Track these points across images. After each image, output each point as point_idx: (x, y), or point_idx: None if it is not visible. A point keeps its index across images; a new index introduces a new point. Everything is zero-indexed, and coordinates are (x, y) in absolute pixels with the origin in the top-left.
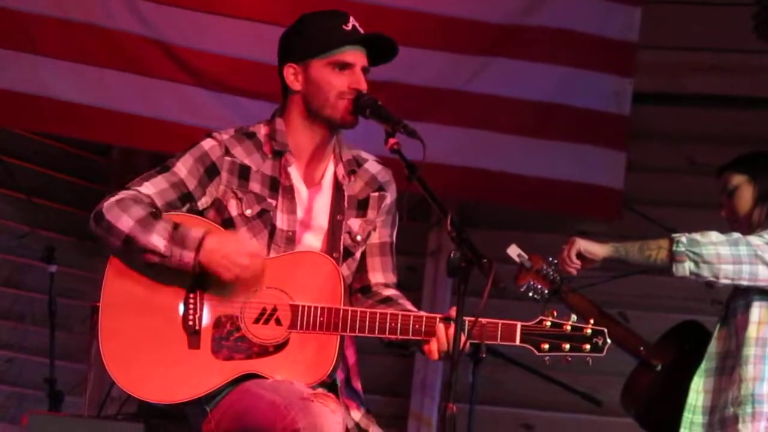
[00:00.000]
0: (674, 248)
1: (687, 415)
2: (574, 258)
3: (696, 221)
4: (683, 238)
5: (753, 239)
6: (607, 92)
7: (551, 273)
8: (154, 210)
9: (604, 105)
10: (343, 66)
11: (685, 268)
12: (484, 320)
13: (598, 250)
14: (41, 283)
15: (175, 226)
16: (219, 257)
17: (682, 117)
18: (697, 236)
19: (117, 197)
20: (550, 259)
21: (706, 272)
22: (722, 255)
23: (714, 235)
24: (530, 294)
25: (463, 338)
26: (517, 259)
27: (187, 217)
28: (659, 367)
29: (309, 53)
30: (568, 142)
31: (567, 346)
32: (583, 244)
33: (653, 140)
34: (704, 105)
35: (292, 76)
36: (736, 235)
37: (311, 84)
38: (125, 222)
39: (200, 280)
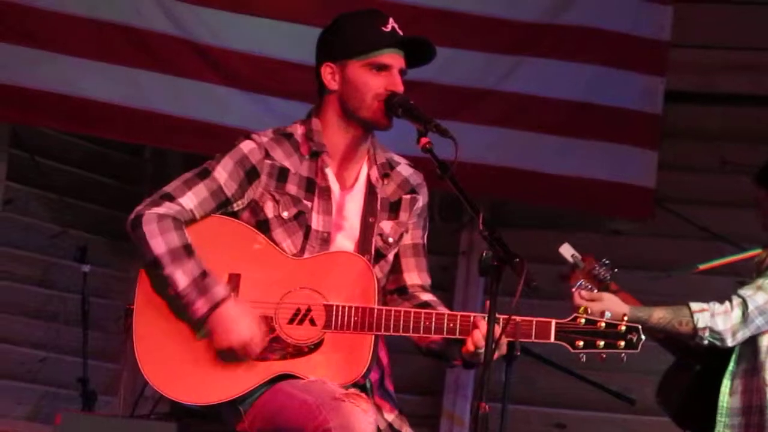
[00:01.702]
0: (697, 338)
1: (720, 419)
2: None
3: (728, 219)
4: (707, 332)
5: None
6: (639, 91)
7: (602, 273)
8: (188, 243)
9: (637, 104)
10: (381, 67)
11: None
12: (518, 318)
13: (621, 311)
14: (74, 283)
15: (203, 274)
16: (224, 328)
17: (714, 116)
18: (719, 323)
19: (160, 210)
20: (603, 260)
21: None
22: (739, 338)
23: (735, 317)
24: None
25: (499, 336)
26: (570, 259)
27: (221, 227)
28: (698, 367)
29: (347, 53)
30: (600, 140)
31: (601, 342)
32: (607, 304)
33: (685, 139)
34: (736, 104)
35: (329, 75)
36: (752, 306)
37: (348, 84)
38: (158, 245)
39: (233, 283)
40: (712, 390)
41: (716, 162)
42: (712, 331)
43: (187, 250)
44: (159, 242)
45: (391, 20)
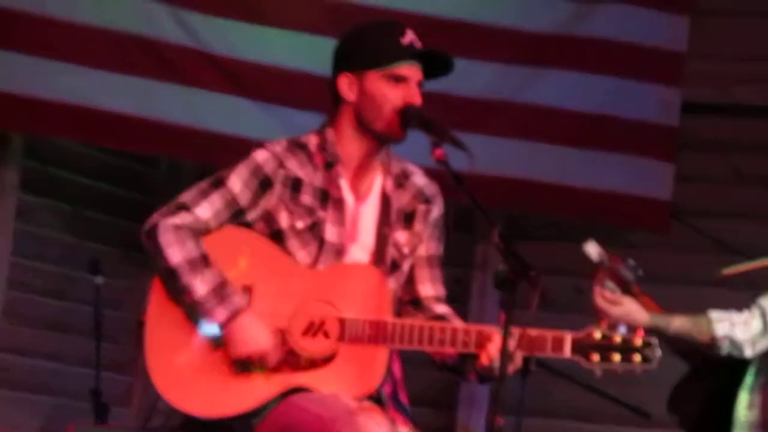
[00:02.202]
0: (716, 348)
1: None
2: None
3: (743, 232)
4: (726, 342)
5: None
6: (655, 102)
7: (626, 274)
8: (205, 253)
9: (653, 115)
10: (399, 79)
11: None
12: (533, 332)
13: (641, 318)
14: (87, 295)
15: (223, 283)
16: (242, 337)
17: (729, 127)
18: (738, 333)
19: (176, 221)
20: (628, 260)
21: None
22: (759, 348)
23: (755, 327)
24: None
25: (514, 350)
26: (595, 257)
27: (235, 238)
28: (712, 377)
29: (365, 64)
30: (616, 152)
31: (617, 357)
32: (627, 309)
33: (701, 150)
34: (753, 115)
35: (346, 85)
36: None
37: (366, 95)
38: (175, 254)
39: (246, 294)
40: (728, 403)
41: (731, 174)
42: (731, 340)
43: (205, 260)
44: (176, 252)
45: (409, 31)
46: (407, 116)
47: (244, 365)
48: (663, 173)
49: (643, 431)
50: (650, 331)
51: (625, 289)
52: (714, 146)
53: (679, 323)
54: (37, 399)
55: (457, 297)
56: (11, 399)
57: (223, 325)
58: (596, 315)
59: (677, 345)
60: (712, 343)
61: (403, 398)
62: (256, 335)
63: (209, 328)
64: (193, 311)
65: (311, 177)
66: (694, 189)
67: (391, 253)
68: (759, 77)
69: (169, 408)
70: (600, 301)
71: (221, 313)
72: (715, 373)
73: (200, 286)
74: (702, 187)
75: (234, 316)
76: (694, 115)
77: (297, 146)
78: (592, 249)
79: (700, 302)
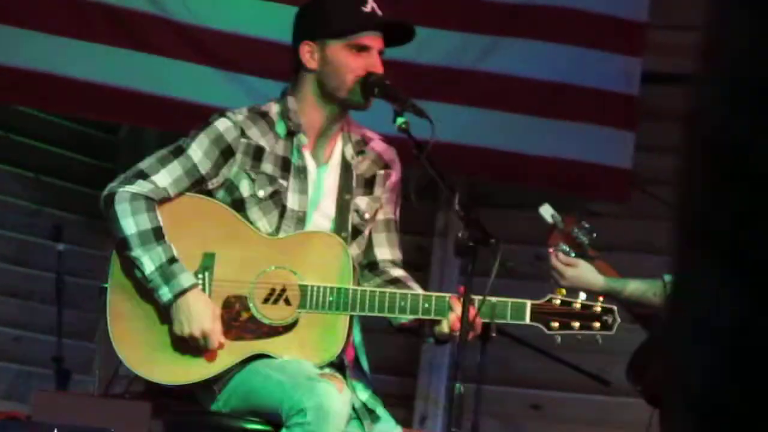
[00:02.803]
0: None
1: None
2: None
3: None
4: None
5: None
6: (616, 72)
7: (582, 236)
8: (159, 225)
9: (614, 85)
10: (361, 48)
11: None
12: (493, 299)
13: (596, 281)
14: (49, 262)
15: (171, 260)
16: (186, 316)
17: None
18: None
19: (133, 189)
20: (582, 222)
21: None
22: None
23: None
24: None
25: (474, 317)
26: (550, 219)
27: (195, 206)
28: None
29: (328, 33)
30: (577, 121)
31: (577, 324)
32: (582, 272)
33: (664, 120)
34: None
35: (308, 54)
36: None
37: (328, 64)
38: (129, 225)
39: (208, 262)
40: None
41: None
42: None
43: (157, 234)
44: (130, 223)
45: (371, 1)
46: (369, 84)
47: (189, 344)
48: (624, 142)
49: (603, 398)
50: (606, 294)
51: (581, 251)
52: (677, 116)
53: (634, 286)
54: (0, 366)
55: (418, 264)
56: None
57: (169, 304)
58: (551, 278)
59: (634, 310)
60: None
61: (363, 365)
62: (198, 316)
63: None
64: (144, 284)
65: (273, 145)
66: (654, 158)
67: (352, 219)
68: None
69: (131, 374)
70: (555, 263)
71: (166, 292)
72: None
73: (148, 262)
74: (665, 157)
75: (178, 295)
76: (656, 85)
77: (258, 114)
78: (546, 211)
79: (661, 270)
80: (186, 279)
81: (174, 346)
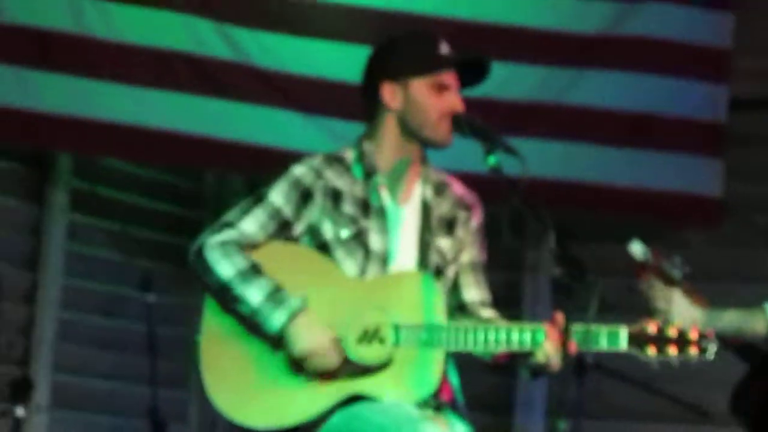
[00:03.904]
0: None
1: None
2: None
3: None
4: None
5: None
6: (702, 99)
7: (673, 270)
8: (256, 263)
9: (700, 112)
10: (443, 87)
11: None
12: (589, 326)
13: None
14: (139, 313)
15: (277, 288)
16: (304, 336)
17: None
18: None
19: (221, 237)
20: (674, 256)
21: None
22: None
23: None
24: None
25: (569, 343)
26: (640, 256)
27: (283, 252)
28: None
29: (410, 72)
30: (664, 151)
31: (673, 349)
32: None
33: (751, 146)
34: None
35: (390, 93)
36: None
37: (411, 103)
38: (225, 269)
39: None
40: None
41: None
42: None
43: (256, 269)
44: (225, 267)
45: (443, 40)
46: (460, 123)
47: (302, 372)
48: (712, 170)
49: (703, 429)
50: (703, 325)
51: (673, 285)
52: (763, 140)
53: (732, 316)
54: (96, 419)
55: (509, 301)
56: (69, 420)
57: (283, 328)
58: (649, 313)
59: (733, 341)
60: None
61: (461, 406)
62: (316, 332)
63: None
64: (250, 322)
65: (350, 187)
66: (743, 184)
67: (434, 259)
68: None
69: (228, 424)
70: (652, 292)
71: (280, 316)
72: None
73: (255, 294)
74: (753, 181)
75: (292, 317)
76: (742, 110)
77: (334, 159)
78: (637, 248)
79: (756, 299)
80: (297, 301)
81: (269, 391)
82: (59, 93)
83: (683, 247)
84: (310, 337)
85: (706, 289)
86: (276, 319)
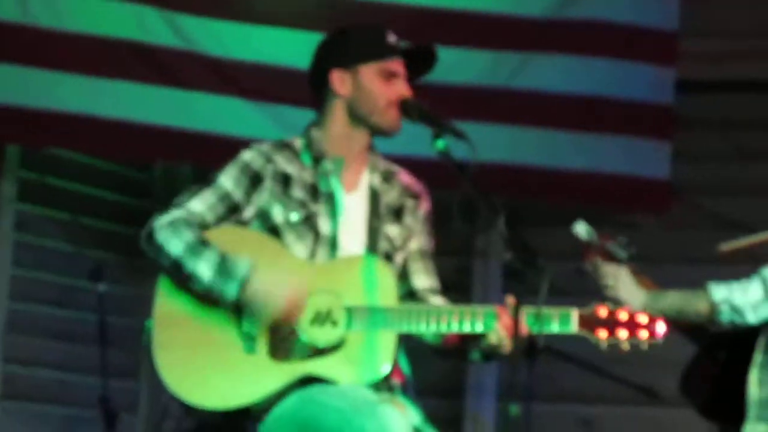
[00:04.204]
0: (716, 313)
1: (751, 411)
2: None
3: (746, 208)
4: (726, 306)
5: None
6: (649, 82)
7: (618, 251)
8: (203, 237)
9: (648, 95)
10: (391, 75)
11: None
12: (540, 309)
13: (636, 296)
14: (91, 303)
15: (223, 258)
16: (262, 298)
17: (727, 104)
18: (737, 297)
19: (169, 218)
20: (619, 237)
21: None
22: (761, 314)
23: (754, 291)
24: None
25: (521, 326)
26: (585, 236)
27: (234, 235)
28: (723, 357)
29: (359, 59)
30: (612, 134)
31: (624, 333)
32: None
33: (699, 129)
34: (748, 91)
35: (339, 80)
36: None
37: (361, 90)
38: (175, 246)
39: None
40: (739, 380)
41: (732, 150)
42: (731, 305)
43: (203, 242)
44: (174, 243)
45: (390, 31)
46: (407, 108)
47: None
48: (661, 153)
49: (653, 410)
50: (646, 308)
51: (619, 266)
52: (712, 123)
53: (676, 296)
54: (46, 410)
55: (460, 287)
56: (19, 411)
57: (238, 298)
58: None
59: (678, 321)
60: (712, 309)
61: (411, 392)
62: (274, 290)
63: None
64: (209, 297)
65: (299, 173)
66: (694, 167)
67: (383, 245)
68: (753, 52)
69: (180, 412)
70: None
71: (231, 289)
72: (725, 351)
73: (204, 269)
74: (702, 165)
75: (242, 285)
76: (690, 93)
77: (283, 146)
78: (581, 229)
79: (704, 281)
80: (243, 265)
81: (223, 371)
82: (6, 84)
83: (632, 230)
84: (270, 294)
85: (654, 271)
86: (229, 292)
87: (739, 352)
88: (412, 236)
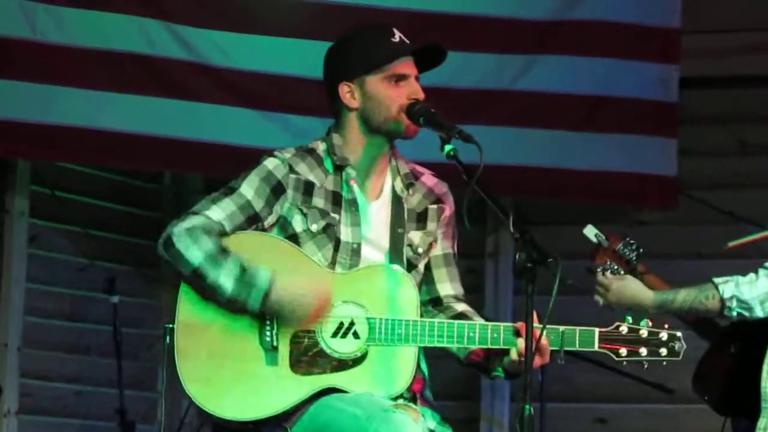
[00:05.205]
0: (725, 309)
1: (765, 404)
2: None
3: (751, 202)
4: (734, 302)
5: None
6: (653, 80)
7: (628, 252)
8: (223, 245)
9: (652, 93)
10: (399, 78)
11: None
12: (561, 327)
13: (646, 297)
14: (104, 315)
15: (243, 269)
16: (287, 306)
17: (730, 99)
18: (745, 292)
19: (187, 224)
20: (627, 238)
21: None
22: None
23: (761, 285)
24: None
25: (541, 342)
26: (594, 239)
27: (255, 241)
28: (734, 350)
29: (363, 69)
30: (618, 133)
31: (644, 350)
32: (630, 287)
33: (703, 124)
34: (752, 86)
35: (348, 94)
36: None
37: (370, 100)
38: (195, 255)
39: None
40: (751, 375)
41: (736, 145)
42: (739, 300)
43: (222, 251)
44: (195, 252)
45: (396, 30)
46: (414, 113)
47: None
48: (666, 150)
49: (667, 407)
50: (656, 308)
51: (629, 267)
52: (715, 119)
53: (684, 294)
54: (63, 422)
55: (472, 287)
56: (37, 424)
57: (262, 308)
58: (598, 295)
59: (688, 318)
60: (721, 305)
61: (429, 394)
62: (297, 298)
63: None
64: (232, 308)
65: (322, 180)
66: (698, 163)
67: (406, 253)
68: (755, 47)
69: (197, 422)
70: (600, 279)
71: (254, 299)
72: (736, 346)
73: (226, 281)
74: (706, 160)
75: (266, 295)
76: (693, 89)
77: (305, 152)
78: (590, 231)
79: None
80: (263, 275)
81: (244, 381)
82: (14, 99)
83: (639, 227)
84: (295, 299)
85: (662, 267)
86: (252, 303)
87: (751, 346)
88: (436, 241)
